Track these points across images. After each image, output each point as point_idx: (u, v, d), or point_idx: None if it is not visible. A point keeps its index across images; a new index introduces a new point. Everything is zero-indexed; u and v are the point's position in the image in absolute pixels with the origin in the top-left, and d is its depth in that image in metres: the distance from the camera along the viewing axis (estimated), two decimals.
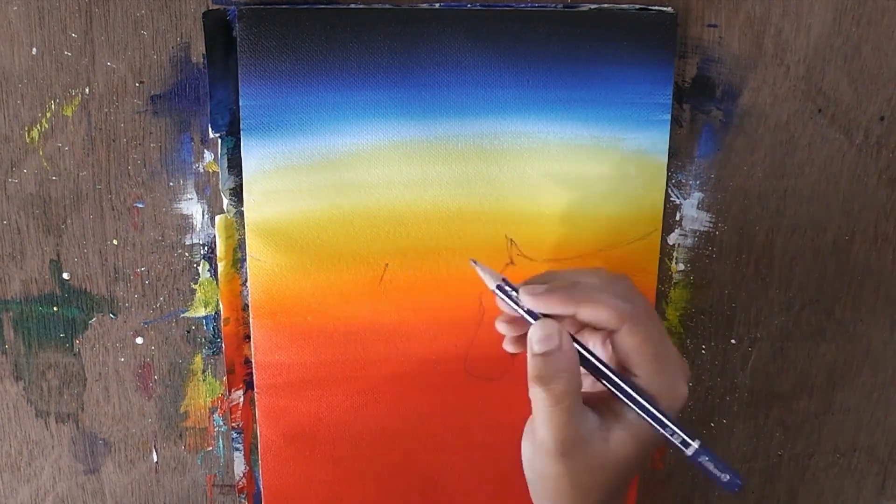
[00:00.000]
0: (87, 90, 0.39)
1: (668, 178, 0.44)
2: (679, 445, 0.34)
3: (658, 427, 0.34)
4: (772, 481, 0.52)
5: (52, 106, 0.39)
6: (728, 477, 0.34)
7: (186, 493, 0.46)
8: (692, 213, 0.45)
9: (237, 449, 0.45)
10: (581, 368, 0.35)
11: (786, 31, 0.43)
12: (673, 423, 0.34)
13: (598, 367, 0.35)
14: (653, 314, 0.36)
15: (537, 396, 0.35)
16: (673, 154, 0.44)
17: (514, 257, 0.44)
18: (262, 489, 0.45)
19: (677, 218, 0.45)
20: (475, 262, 0.38)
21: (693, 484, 0.51)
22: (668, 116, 0.43)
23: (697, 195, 0.45)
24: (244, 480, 0.46)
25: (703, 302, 0.47)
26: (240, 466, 0.46)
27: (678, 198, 0.45)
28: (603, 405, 0.36)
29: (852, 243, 0.47)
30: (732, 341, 0.48)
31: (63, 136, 0.40)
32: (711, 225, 0.46)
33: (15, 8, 0.38)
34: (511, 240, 0.43)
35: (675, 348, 0.37)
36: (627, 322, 0.35)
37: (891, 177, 0.46)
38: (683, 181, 0.45)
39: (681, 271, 0.46)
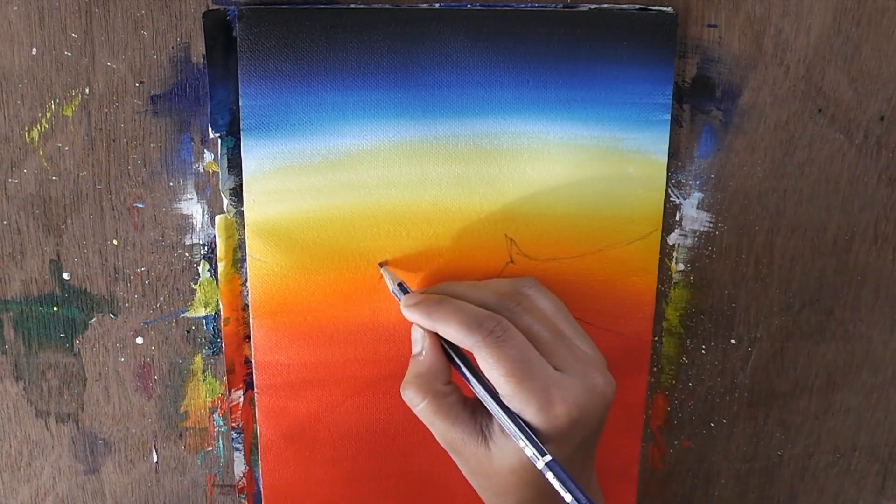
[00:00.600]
0: (87, 90, 0.39)
1: (668, 178, 0.44)
2: (531, 457, 0.35)
3: (514, 437, 0.36)
4: (772, 481, 0.52)
5: (52, 106, 0.39)
6: (571, 498, 0.34)
7: (186, 493, 0.46)
8: (692, 213, 0.45)
9: (237, 449, 0.45)
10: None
11: (786, 32, 0.43)
12: (524, 436, 0.35)
13: (467, 378, 0.38)
14: (513, 334, 0.37)
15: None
16: (673, 154, 0.44)
17: (515, 256, 0.44)
18: (262, 489, 0.45)
19: (677, 218, 0.45)
20: (382, 266, 0.42)
21: (693, 484, 0.51)
22: (668, 116, 0.43)
23: (697, 195, 0.45)
24: (244, 480, 0.46)
25: (703, 302, 0.47)
26: (240, 466, 0.46)
27: (678, 198, 0.45)
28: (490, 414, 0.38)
29: (852, 243, 0.47)
30: (732, 341, 0.48)
31: (63, 136, 0.40)
32: (711, 225, 0.46)
33: (15, 8, 0.38)
34: (511, 239, 0.43)
35: (576, 355, 0.38)
36: (472, 347, 0.36)
37: (891, 177, 0.46)
38: (683, 181, 0.45)
39: (681, 271, 0.46)
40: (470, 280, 0.43)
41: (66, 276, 0.42)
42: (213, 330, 0.44)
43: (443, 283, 0.41)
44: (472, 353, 0.37)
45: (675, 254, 0.46)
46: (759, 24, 0.42)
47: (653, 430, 0.49)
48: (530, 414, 0.36)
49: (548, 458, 0.35)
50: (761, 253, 0.47)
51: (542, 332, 0.38)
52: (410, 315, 0.39)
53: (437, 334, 0.39)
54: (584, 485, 0.39)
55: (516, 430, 0.35)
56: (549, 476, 0.34)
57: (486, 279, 0.43)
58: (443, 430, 0.38)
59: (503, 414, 0.36)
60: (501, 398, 0.36)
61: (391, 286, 0.41)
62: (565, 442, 0.36)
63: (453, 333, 0.37)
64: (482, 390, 0.37)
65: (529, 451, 0.35)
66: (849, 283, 0.48)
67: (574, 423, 0.36)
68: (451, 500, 0.47)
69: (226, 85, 0.40)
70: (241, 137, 0.40)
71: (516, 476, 0.37)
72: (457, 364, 0.39)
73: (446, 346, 0.39)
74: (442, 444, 0.39)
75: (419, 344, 0.39)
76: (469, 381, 0.38)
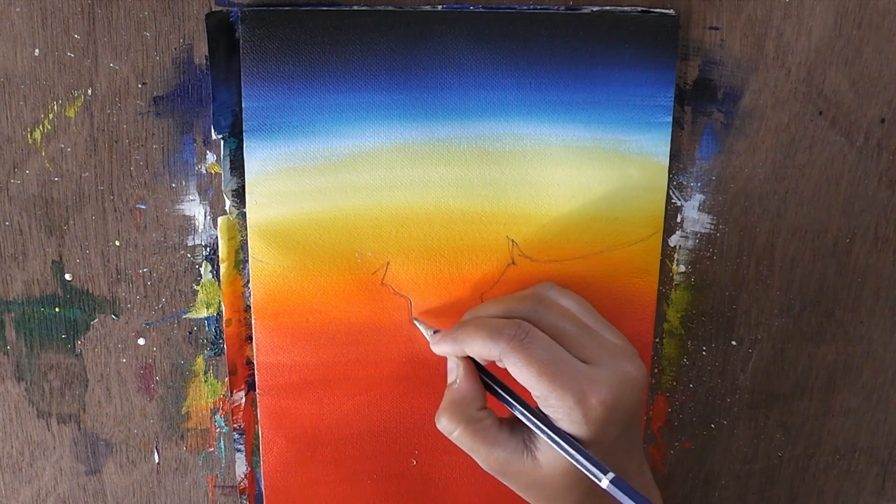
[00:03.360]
0: (89, 91, 0.39)
1: (670, 180, 0.44)
2: (592, 477, 0.35)
3: (570, 459, 0.36)
4: (772, 482, 0.52)
5: (55, 107, 0.39)
6: None
7: (188, 494, 0.46)
8: (693, 214, 0.45)
9: (239, 450, 0.45)
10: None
11: (787, 34, 0.43)
12: (582, 456, 0.35)
13: (508, 401, 0.38)
14: (536, 334, 0.37)
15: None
16: (674, 156, 0.44)
17: (516, 258, 0.44)
18: (263, 490, 0.45)
19: (678, 220, 0.45)
20: (416, 320, 0.43)
21: (693, 485, 0.51)
22: (670, 118, 0.43)
23: (698, 197, 0.45)
24: (246, 481, 0.46)
25: (704, 303, 0.47)
26: (241, 467, 0.46)
27: (679, 200, 0.45)
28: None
29: (853, 245, 0.47)
30: (733, 343, 0.48)
31: (65, 137, 0.40)
32: (712, 227, 0.46)
33: (18, 9, 0.38)
34: (512, 241, 0.43)
35: (599, 347, 0.38)
36: (500, 355, 0.37)
37: (891, 179, 0.47)
38: (685, 183, 0.45)
39: (682, 273, 0.46)
40: (471, 280, 0.43)
41: (67, 276, 0.42)
42: (215, 331, 0.44)
43: (468, 311, 0.42)
44: (506, 372, 0.37)
45: (676, 255, 0.46)
46: (760, 26, 0.43)
47: (653, 431, 0.49)
48: (566, 410, 0.36)
49: (611, 475, 0.35)
50: (762, 255, 0.47)
51: (567, 327, 0.38)
52: (439, 348, 0.40)
53: (471, 362, 0.39)
54: (634, 469, 0.39)
55: (572, 450, 0.36)
56: (616, 493, 0.35)
57: (488, 280, 0.43)
58: (485, 453, 0.38)
59: (555, 436, 0.36)
60: (536, 399, 0.37)
61: (427, 335, 0.42)
62: (605, 433, 0.36)
63: (479, 349, 0.37)
64: (530, 416, 0.37)
65: (588, 470, 0.35)
66: (849, 285, 0.48)
67: (609, 412, 0.36)
68: (453, 501, 0.47)
69: (228, 86, 0.40)
70: (244, 139, 0.40)
71: (568, 478, 0.37)
72: (500, 395, 0.39)
73: (485, 378, 0.39)
74: (488, 470, 0.39)
75: (454, 373, 0.39)
76: (514, 409, 0.38)
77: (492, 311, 0.40)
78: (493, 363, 0.39)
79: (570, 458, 0.36)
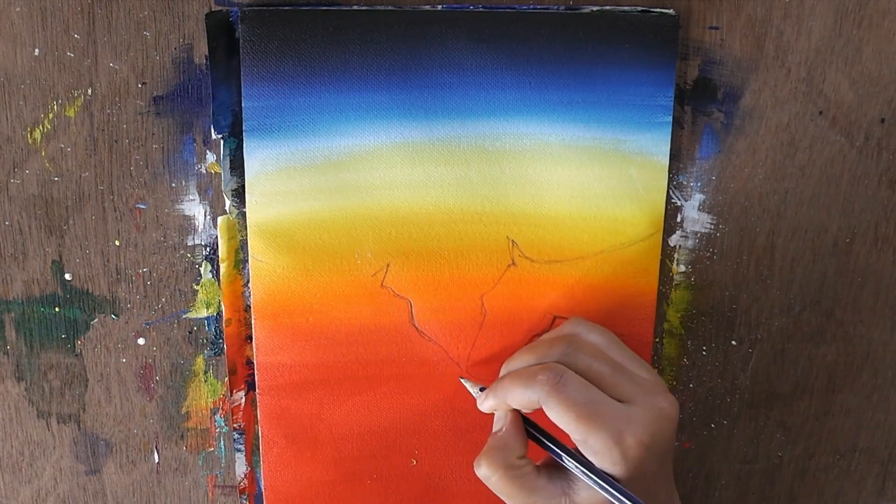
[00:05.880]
0: (89, 91, 0.39)
1: (670, 180, 0.44)
2: None
3: (614, 501, 0.36)
4: (772, 483, 0.52)
5: (55, 107, 0.39)
6: None
7: (188, 494, 0.46)
8: (693, 214, 0.45)
9: (238, 450, 0.45)
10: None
11: (787, 34, 0.43)
12: (627, 499, 0.36)
13: (550, 448, 0.39)
14: (571, 377, 0.37)
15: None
16: (674, 156, 0.44)
17: (516, 258, 0.44)
18: (263, 490, 0.45)
19: (678, 219, 0.45)
20: (463, 379, 0.43)
21: (693, 485, 0.51)
22: (670, 118, 0.43)
23: (698, 197, 0.45)
24: (245, 481, 0.46)
25: (704, 303, 0.47)
26: (241, 467, 0.46)
27: (679, 199, 0.45)
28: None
29: (853, 245, 0.47)
30: (733, 342, 0.48)
31: (65, 137, 0.40)
32: (712, 226, 0.46)
33: (18, 9, 0.38)
34: (512, 241, 0.43)
35: (636, 386, 0.38)
36: (539, 402, 0.37)
37: (891, 179, 0.46)
38: (684, 183, 0.45)
39: (682, 273, 0.46)
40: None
41: (67, 276, 0.42)
42: (215, 331, 0.44)
43: (504, 365, 0.42)
44: (548, 420, 0.38)
45: (676, 255, 0.46)
46: (760, 26, 0.43)
47: None
48: (605, 450, 0.36)
49: None
50: (762, 255, 0.47)
51: (601, 367, 0.39)
52: (485, 405, 0.40)
53: (517, 413, 0.40)
54: (664, 499, 0.40)
55: (617, 494, 0.36)
56: None
57: (488, 281, 0.43)
58: (522, 499, 0.38)
59: (599, 480, 0.37)
60: (576, 443, 0.37)
61: (474, 392, 0.42)
62: (643, 470, 0.37)
63: (518, 398, 0.38)
64: (575, 464, 0.38)
65: None
66: (849, 284, 0.48)
67: (646, 450, 0.37)
68: (453, 501, 0.47)
69: (228, 86, 0.40)
70: (244, 138, 0.40)
71: None
72: (543, 443, 0.39)
73: (529, 428, 0.40)
74: None
75: (500, 422, 0.40)
76: (556, 454, 0.39)
77: (525, 360, 0.40)
78: (536, 412, 0.39)
79: (614, 501, 0.36)
